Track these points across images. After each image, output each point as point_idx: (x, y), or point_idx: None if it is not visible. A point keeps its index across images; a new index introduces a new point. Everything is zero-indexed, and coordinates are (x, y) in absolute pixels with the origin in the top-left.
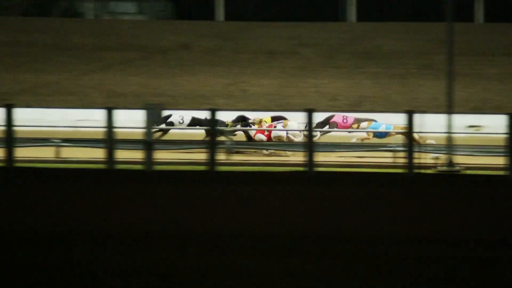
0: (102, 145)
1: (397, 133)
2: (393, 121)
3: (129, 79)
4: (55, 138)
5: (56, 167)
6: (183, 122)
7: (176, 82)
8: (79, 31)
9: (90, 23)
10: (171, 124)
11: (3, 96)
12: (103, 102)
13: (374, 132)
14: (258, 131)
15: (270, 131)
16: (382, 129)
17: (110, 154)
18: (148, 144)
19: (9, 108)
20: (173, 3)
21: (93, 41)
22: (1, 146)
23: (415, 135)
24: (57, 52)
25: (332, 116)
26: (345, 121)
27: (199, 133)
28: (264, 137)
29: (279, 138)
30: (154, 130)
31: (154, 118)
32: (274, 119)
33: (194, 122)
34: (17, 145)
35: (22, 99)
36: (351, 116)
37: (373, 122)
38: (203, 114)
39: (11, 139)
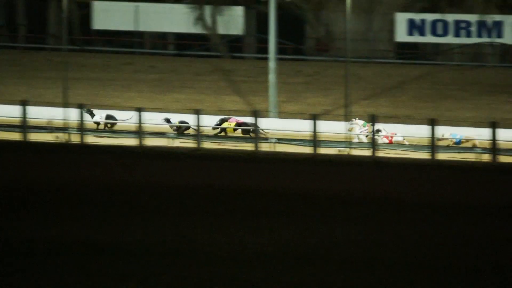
0: None
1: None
2: None
3: None
4: None
5: None
6: (102, 118)
7: None
8: None
9: None
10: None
11: None
12: None
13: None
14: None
15: (392, 136)
16: (458, 138)
17: None
18: None
19: None
20: None
21: None
22: None
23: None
24: None
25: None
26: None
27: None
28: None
29: (398, 142)
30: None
31: None
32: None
33: (108, 118)
34: None
35: None
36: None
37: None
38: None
39: None
